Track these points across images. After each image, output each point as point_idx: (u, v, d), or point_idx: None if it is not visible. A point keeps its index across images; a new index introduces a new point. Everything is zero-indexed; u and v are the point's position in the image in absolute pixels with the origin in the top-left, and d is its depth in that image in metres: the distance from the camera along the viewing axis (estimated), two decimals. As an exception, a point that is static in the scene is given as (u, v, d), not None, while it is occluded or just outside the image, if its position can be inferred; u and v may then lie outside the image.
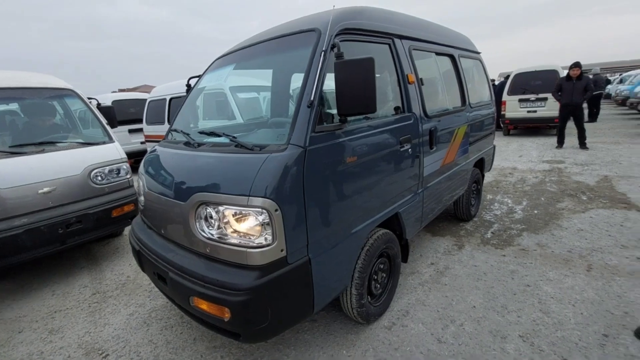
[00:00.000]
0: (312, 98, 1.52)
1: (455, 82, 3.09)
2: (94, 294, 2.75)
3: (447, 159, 2.75)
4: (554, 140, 7.43)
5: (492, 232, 3.32)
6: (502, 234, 3.25)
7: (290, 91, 2.32)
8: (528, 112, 8.96)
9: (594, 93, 10.63)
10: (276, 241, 1.38)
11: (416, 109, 2.26)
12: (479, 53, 3.88)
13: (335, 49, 1.57)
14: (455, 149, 2.88)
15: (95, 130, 3.55)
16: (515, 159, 6.58)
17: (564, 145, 7.20)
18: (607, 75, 21.49)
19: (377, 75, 1.69)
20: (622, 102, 13.70)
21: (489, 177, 5.31)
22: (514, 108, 9.15)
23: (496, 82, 11.42)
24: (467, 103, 3.14)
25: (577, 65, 6.69)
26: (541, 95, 8.56)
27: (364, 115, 1.80)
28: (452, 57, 3.06)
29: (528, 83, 8.97)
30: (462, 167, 3.13)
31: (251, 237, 1.40)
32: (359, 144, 1.76)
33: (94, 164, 3.07)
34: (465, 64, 3.31)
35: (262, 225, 1.37)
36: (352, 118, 1.78)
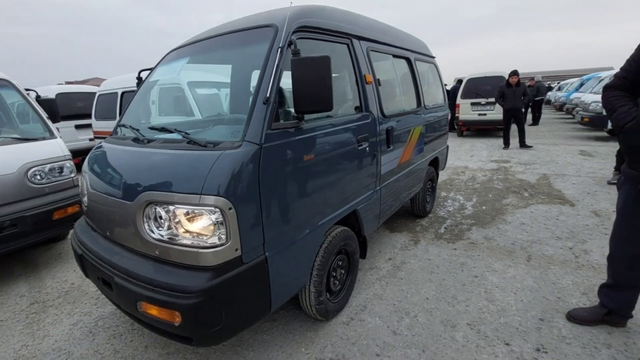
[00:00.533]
0: (268, 94, 1.51)
1: (412, 84, 3.22)
2: (32, 303, 2.52)
3: (404, 157, 2.85)
4: (502, 141, 8.01)
5: (445, 227, 3.50)
6: (454, 229, 3.44)
7: (251, 88, 2.28)
8: (479, 115, 9.56)
9: (536, 99, 11.61)
10: (230, 240, 1.34)
11: (374, 108, 2.32)
12: (433, 57, 4.07)
13: (292, 46, 1.57)
14: (411, 149, 2.99)
15: (35, 125, 3.25)
16: (467, 158, 6.99)
17: (510, 146, 7.77)
18: (549, 82, 23.52)
19: (335, 74, 1.72)
20: (560, 107, 15.14)
21: (443, 175, 5.59)
22: (466, 111, 9.72)
23: (449, 87, 11.94)
24: (423, 105, 3.28)
25: (515, 73, 7.23)
26: (490, 100, 9.12)
27: (322, 114, 1.80)
28: (408, 60, 3.18)
29: (479, 88, 9.55)
30: (418, 166, 3.26)
31: (204, 237, 1.36)
32: (316, 142, 1.77)
33: (31, 161, 2.81)
34: (420, 67, 3.45)
35: (216, 224, 1.33)
36: (311, 116, 1.78)
